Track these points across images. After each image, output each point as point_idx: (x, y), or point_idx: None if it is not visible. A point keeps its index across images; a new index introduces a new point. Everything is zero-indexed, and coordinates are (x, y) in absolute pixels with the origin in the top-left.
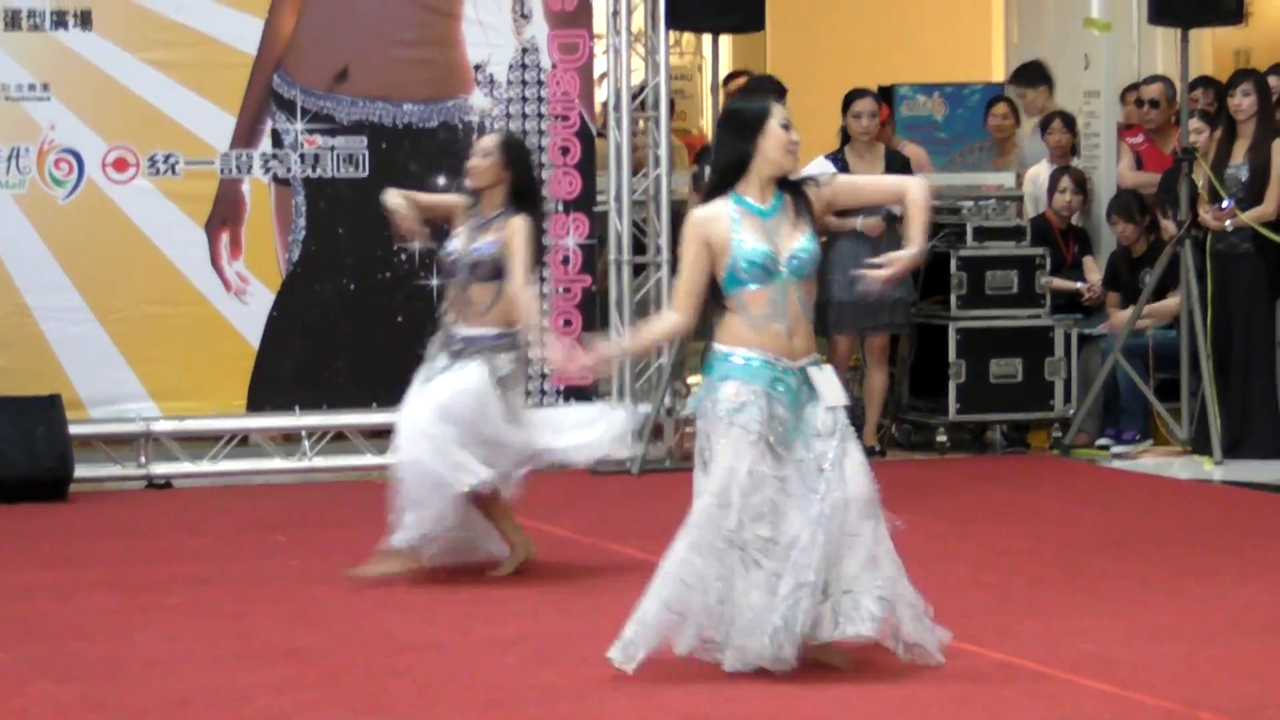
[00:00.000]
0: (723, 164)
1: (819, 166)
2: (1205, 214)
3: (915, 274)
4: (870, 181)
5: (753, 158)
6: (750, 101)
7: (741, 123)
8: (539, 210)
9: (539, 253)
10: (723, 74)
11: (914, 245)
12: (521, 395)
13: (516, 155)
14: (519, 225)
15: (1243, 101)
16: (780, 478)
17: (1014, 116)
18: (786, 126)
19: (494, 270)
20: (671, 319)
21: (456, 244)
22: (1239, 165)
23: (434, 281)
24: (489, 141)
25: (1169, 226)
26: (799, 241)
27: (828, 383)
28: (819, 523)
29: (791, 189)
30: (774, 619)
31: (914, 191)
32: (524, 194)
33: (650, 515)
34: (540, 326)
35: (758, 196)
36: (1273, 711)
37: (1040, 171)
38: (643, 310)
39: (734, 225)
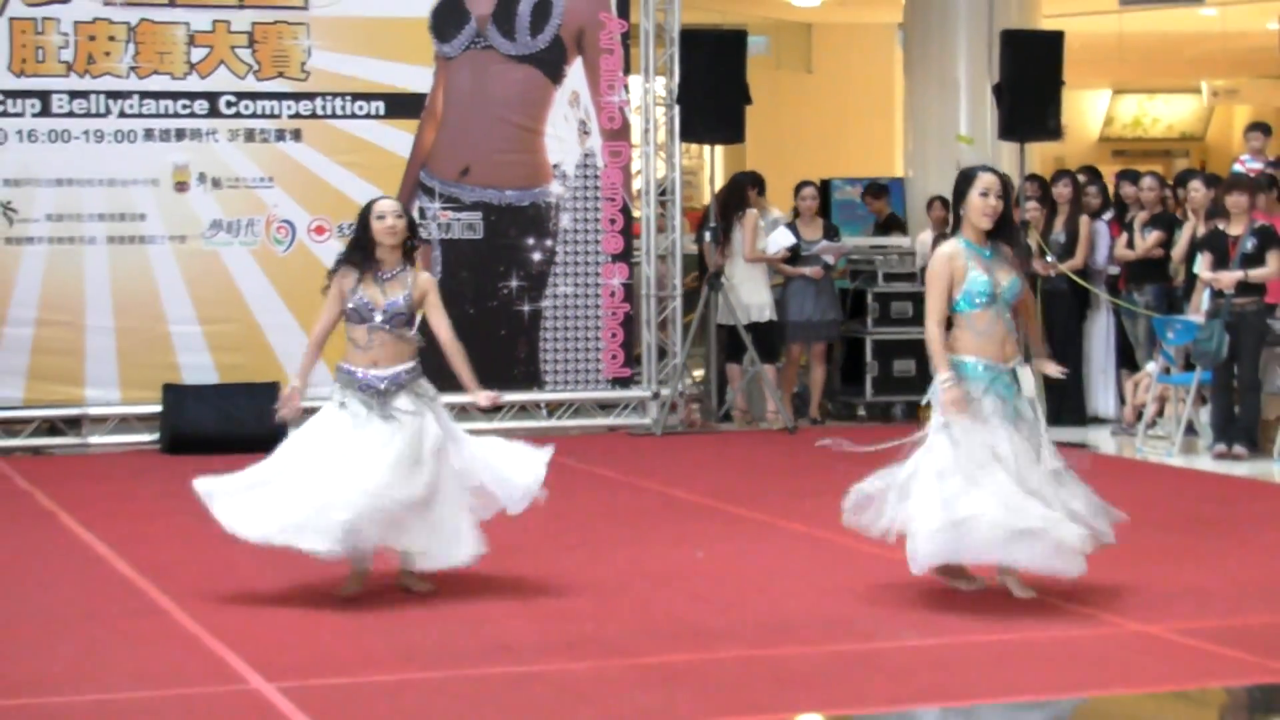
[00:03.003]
0: (954, 213)
1: (781, 232)
2: (1036, 265)
3: (844, 301)
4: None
5: (963, 215)
6: (967, 172)
7: (956, 189)
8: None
9: None
10: (719, 173)
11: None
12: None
13: (410, 215)
14: (432, 282)
15: (1063, 191)
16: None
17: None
18: (984, 194)
19: (408, 319)
20: (932, 327)
21: (370, 296)
22: (1058, 233)
23: (526, 308)
24: (394, 204)
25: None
26: (1010, 279)
27: (1027, 380)
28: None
29: (1003, 241)
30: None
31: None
32: (411, 250)
33: (669, 462)
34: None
35: (979, 241)
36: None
37: (926, 237)
38: (664, 328)
39: (969, 262)
